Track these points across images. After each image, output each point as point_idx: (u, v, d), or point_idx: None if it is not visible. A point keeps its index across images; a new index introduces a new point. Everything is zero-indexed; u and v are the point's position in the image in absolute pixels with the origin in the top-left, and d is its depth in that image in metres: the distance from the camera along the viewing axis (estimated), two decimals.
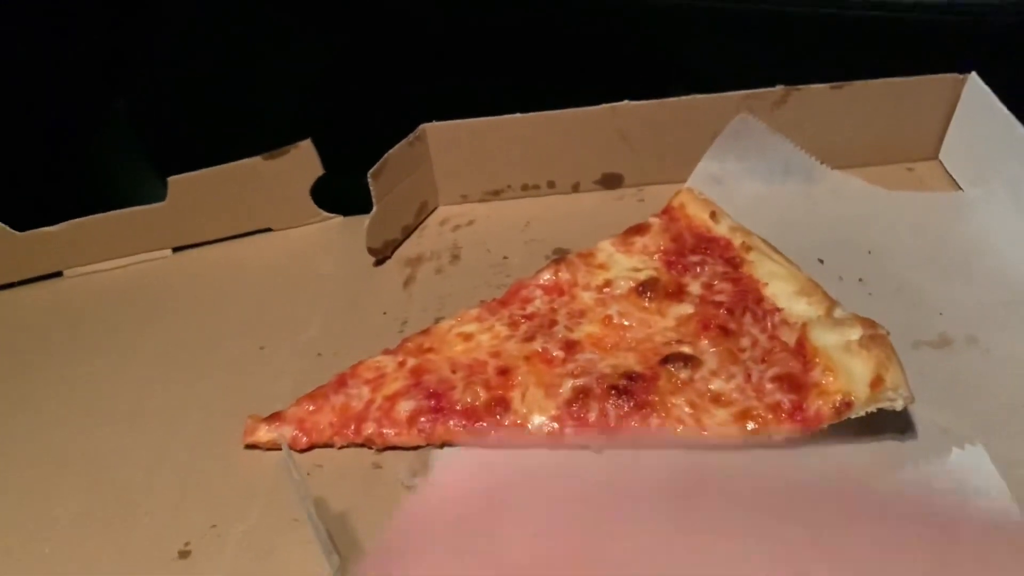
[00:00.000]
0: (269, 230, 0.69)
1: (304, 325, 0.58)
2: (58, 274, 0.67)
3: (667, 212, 0.57)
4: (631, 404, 0.47)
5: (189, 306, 0.63)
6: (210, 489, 0.49)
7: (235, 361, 0.57)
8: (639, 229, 0.57)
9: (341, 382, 0.52)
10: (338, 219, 0.68)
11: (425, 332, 0.54)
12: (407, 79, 0.72)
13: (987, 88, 0.57)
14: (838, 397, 0.44)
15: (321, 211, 0.68)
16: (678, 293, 0.52)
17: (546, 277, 0.55)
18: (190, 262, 0.67)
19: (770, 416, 0.45)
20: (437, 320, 0.56)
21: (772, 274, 0.51)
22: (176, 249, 0.68)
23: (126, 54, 0.76)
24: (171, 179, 0.65)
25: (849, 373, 0.44)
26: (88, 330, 0.62)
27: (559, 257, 0.57)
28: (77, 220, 0.65)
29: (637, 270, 0.54)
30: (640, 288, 0.53)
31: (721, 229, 0.55)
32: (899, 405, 0.43)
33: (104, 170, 0.74)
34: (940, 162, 0.62)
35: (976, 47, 0.61)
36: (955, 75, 0.58)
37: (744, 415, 0.46)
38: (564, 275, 0.55)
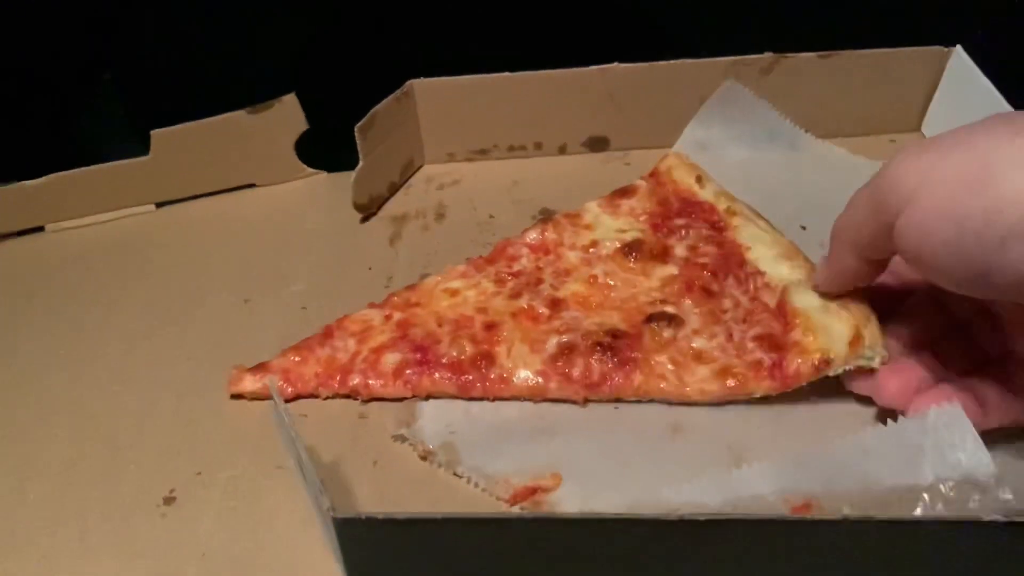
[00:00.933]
0: (253, 186, 0.68)
1: (289, 279, 0.58)
2: (39, 229, 0.66)
3: (654, 175, 0.58)
4: (615, 361, 0.48)
5: (173, 261, 0.62)
6: (196, 438, 0.49)
7: (220, 314, 0.56)
8: (626, 192, 0.57)
9: (327, 334, 0.52)
10: (323, 175, 0.68)
11: (411, 287, 0.54)
12: (395, 35, 0.71)
13: (971, 62, 0.57)
14: (817, 355, 0.45)
15: (306, 167, 0.68)
16: (663, 255, 0.53)
17: (532, 236, 0.56)
18: (173, 217, 0.67)
19: (750, 373, 0.46)
20: (422, 278, 0.56)
21: (755, 238, 0.52)
22: (159, 204, 0.67)
23: (114, 26, 0.75)
24: (154, 133, 0.64)
25: (828, 332, 0.45)
26: (72, 284, 0.61)
27: (545, 216, 0.57)
28: (59, 174, 0.64)
29: (623, 231, 0.55)
30: (625, 249, 0.53)
31: (706, 194, 0.56)
32: (876, 363, 0.44)
33: (91, 142, 0.74)
34: (923, 134, 0.63)
35: (965, 14, 0.61)
36: (940, 48, 0.59)
37: (725, 372, 0.47)
38: (551, 235, 0.55)
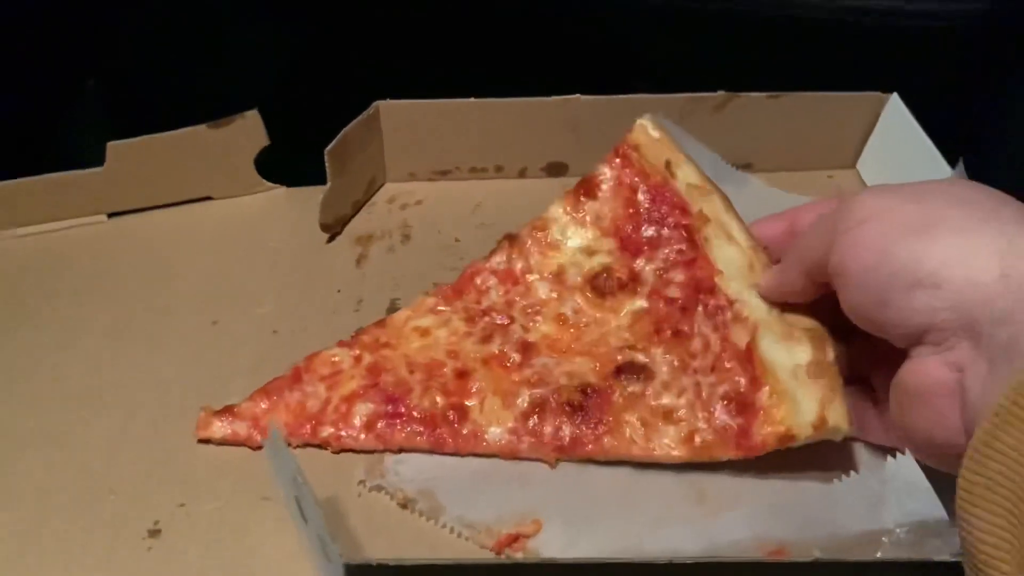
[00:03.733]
0: (209, 199, 0.68)
1: (256, 300, 0.59)
2: None
3: (621, 155, 0.56)
4: (586, 425, 0.49)
5: (131, 274, 0.61)
6: (175, 468, 0.49)
7: (188, 336, 0.57)
8: (590, 188, 0.56)
9: (296, 377, 0.52)
10: (281, 190, 0.68)
11: (380, 324, 0.55)
12: (360, 56, 0.72)
13: (905, 108, 0.62)
14: (782, 428, 0.46)
15: (265, 181, 0.68)
16: (632, 283, 0.53)
17: (498, 260, 0.56)
18: (127, 228, 0.66)
19: (717, 440, 0.47)
20: (392, 302, 0.57)
21: (727, 261, 0.51)
22: (111, 215, 0.66)
23: (98, 34, 0.73)
24: (110, 144, 0.63)
25: (794, 404, 0.46)
26: (24, 297, 0.60)
27: (511, 236, 0.57)
28: (6, 181, 0.63)
29: (590, 253, 0.55)
30: (593, 282, 0.54)
31: (679, 185, 0.54)
32: (839, 439, 0.46)
33: (73, 150, 0.71)
34: (857, 171, 0.68)
35: (904, 65, 0.66)
36: (879, 94, 0.63)
37: (691, 437, 0.48)
38: (517, 263, 0.56)
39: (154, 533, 0.46)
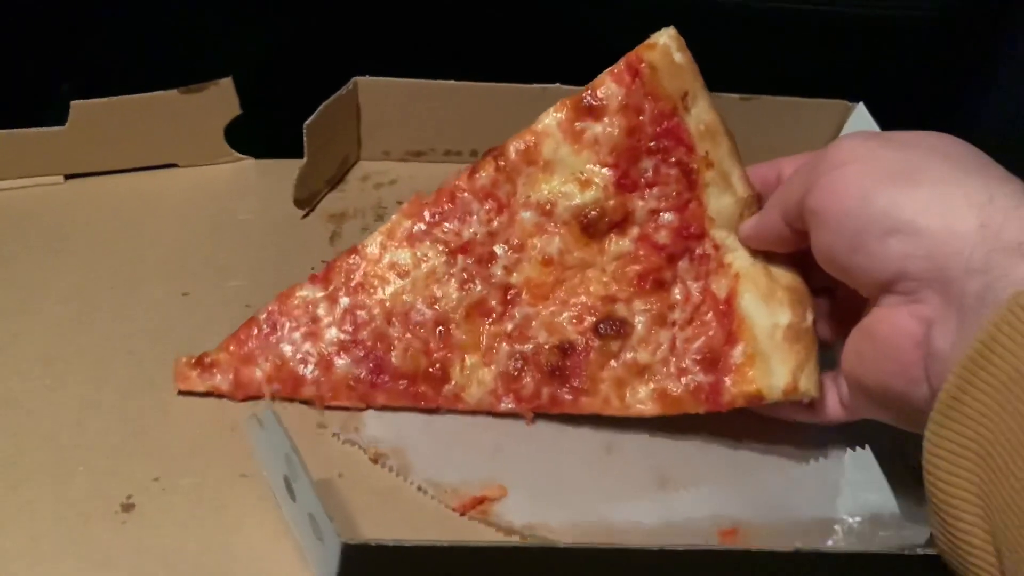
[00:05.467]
0: (174, 166, 0.66)
1: (228, 273, 0.58)
2: None
3: (633, 73, 0.51)
4: (564, 387, 0.50)
5: (93, 240, 0.60)
6: (147, 441, 0.48)
7: (158, 306, 0.55)
8: (592, 109, 0.51)
9: (272, 326, 0.52)
10: (250, 161, 0.67)
11: (352, 251, 0.53)
12: (338, 30, 0.71)
13: (871, 117, 0.64)
14: (752, 388, 0.47)
15: (233, 151, 0.66)
16: (622, 223, 0.51)
17: (482, 181, 0.52)
18: (86, 191, 0.63)
19: (687, 397, 0.49)
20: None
21: (720, 210, 0.50)
22: (68, 176, 0.64)
23: (73, 38, 0.72)
24: (74, 103, 0.61)
25: (767, 366, 0.47)
26: None
27: (497, 151, 0.53)
28: None
29: (583, 182, 0.51)
30: (583, 221, 0.51)
31: (690, 121, 0.50)
32: (807, 400, 0.48)
33: None
34: None
35: (873, 76, 0.69)
36: (846, 102, 0.66)
37: (663, 394, 0.49)
38: (503, 186, 0.52)
39: (128, 507, 0.45)
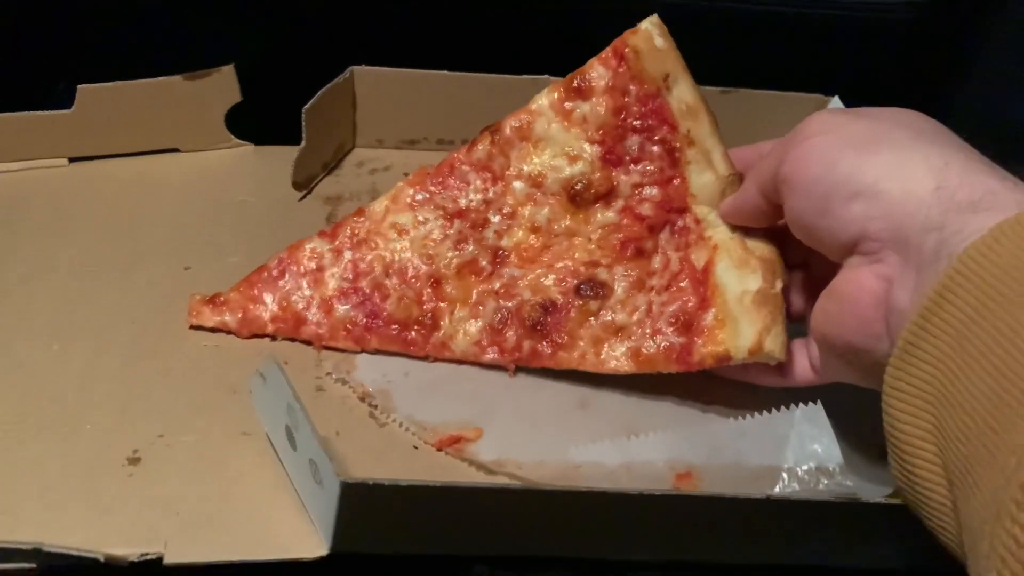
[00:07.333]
0: (175, 151, 0.68)
1: (229, 250, 0.60)
2: None
3: (619, 57, 0.54)
4: (544, 341, 0.54)
5: (96, 218, 0.62)
6: (150, 402, 0.50)
7: (160, 279, 0.57)
8: (581, 89, 0.54)
9: (281, 271, 0.56)
10: (249, 147, 0.69)
11: (359, 213, 0.57)
12: (337, 20, 0.73)
13: (845, 109, 0.68)
14: (721, 348, 0.50)
15: (233, 137, 0.69)
16: (607, 195, 0.54)
17: (479, 154, 0.56)
18: (89, 174, 0.66)
19: (660, 356, 0.52)
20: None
21: (702, 186, 0.53)
22: (72, 160, 0.66)
23: (69, 37, 0.74)
24: (80, 87, 0.63)
25: (735, 328, 0.50)
26: None
27: (493, 128, 0.57)
28: None
29: (572, 157, 0.54)
30: (571, 192, 0.55)
31: (672, 101, 0.53)
32: (772, 362, 0.50)
33: None
34: None
35: (847, 71, 0.72)
36: (821, 96, 0.69)
37: (638, 352, 0.52)
38: (497, 159, 0.56)
39: (134, 461, 0.47)
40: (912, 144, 0.41)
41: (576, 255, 0.55)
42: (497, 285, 0.55)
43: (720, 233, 0.53)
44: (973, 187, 0.38)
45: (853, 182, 0.41)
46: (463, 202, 0.56)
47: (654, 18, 0.54)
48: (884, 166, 0.41)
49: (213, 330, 0.54)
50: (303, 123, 0.62)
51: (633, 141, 0.54)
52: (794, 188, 0.44)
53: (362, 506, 0.40)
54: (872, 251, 0.41)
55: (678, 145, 0.54)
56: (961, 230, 0.37)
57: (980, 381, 0.33)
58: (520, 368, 0.54)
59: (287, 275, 0.56)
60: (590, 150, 0.55)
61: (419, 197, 0.57)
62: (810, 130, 0.44)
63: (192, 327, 0.54)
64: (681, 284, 0.53)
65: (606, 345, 0.53)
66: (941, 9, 0.77)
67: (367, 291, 0.55)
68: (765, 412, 0.51)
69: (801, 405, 0.51)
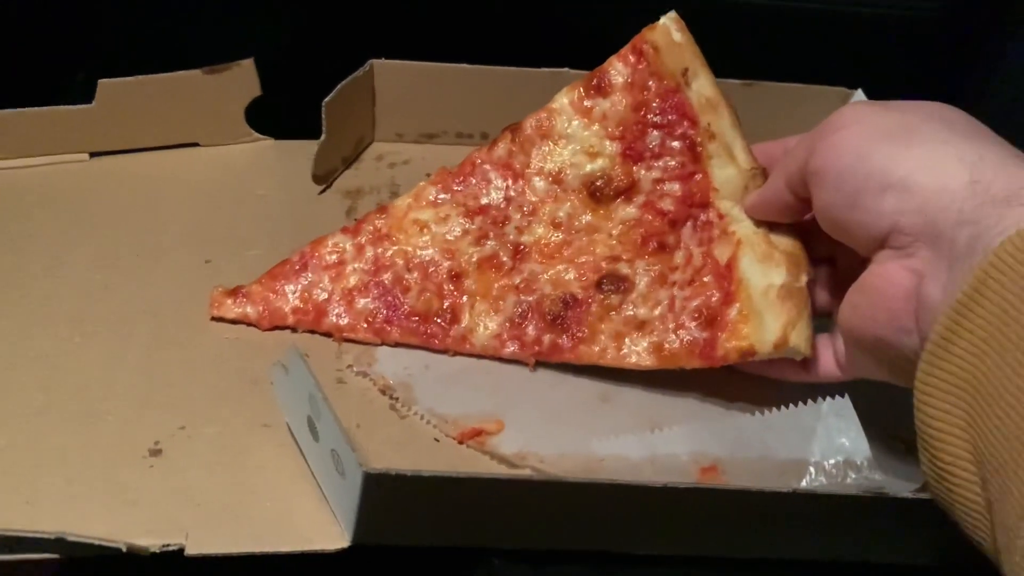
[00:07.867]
0: (195, 145, 0.68)
1: (249, 243, 0.60)
2: None
3: (637, 54, 0.54)
4: (564, 335, 0.53)
5: (117, 212, 0.62)
6: (172, 394, 0.50)
7: (181, 272, 0.57)
8: (601, 86, 0.55)
9: (303, 265, 0.56)
10: (269, 141, 0.69)
11: (382, 210, 0.57)
12: (356, 15, 0.73)
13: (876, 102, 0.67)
14: (745, 343, 0.49)
15: (253, 131, 0.68)
16: (628, 191, 0.54)
17: (500, 153, 0.57)
18: (110, 168, 0.66)
19: (683, 351, 0.51)
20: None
21: (725, 180, 0.53)
22: (93, 154, 0.66)
23: (88, 26, 0.75)
24: (101, 82, 0.63)
25: (760, 323, 0.49)
26: (4, 225, 0.60)
27: (514, 126, 0.57)
28: None
29: (593, 154, 0.55)
30: (591, 188, 0.55)
31: (692, 95, 0.54)
32: (798, 357, 0.50)
33: None
34: None
35: (871, 65, 0.71)
36: (844, 89, 0.68)
37: (660, 347, 0.52)
38: (518, 156, 0.56)
39: (155, 452, 0.47)
40: (945, 137, 0.40)
41: (597, 250, 0.55)
42: (518, 280, 0.55)
43: (744, 228, 0.52)
44: (1009, 181, 0.37)
45: (885, 174, 0.40)
46: (484, 199, 0.56)
47: (672, 13, 0.54)
48: (917, 159, 0.40)
49: (234, 322, 0.55)
50: (323, 117, 0.62)
51: (653, 136, 0.54)
52: (824, 180, 0.43)
53: (384, 497, 0.40)
54: (903, 245, 0.40)
55: (699, 140, 0.53)
56: (996, 224, 0.36)
57: (1017, 376, 0.33)
58: (540, 363, 0.54)
59: (309, 268, 0.56)
60: (610, 146, 0.55)
61: (441, 196, 0.57)
62: (841, 122, 0.44)
63: (213, 319, 0.54)
64: (704, 279, 0.52)
65: (627, 340, 0.53)
66: (964, 3, 0.76)
67: (388, 285, 0.55)
68: (791, 405, 0.50)
69: (828, 399, 0.50)
